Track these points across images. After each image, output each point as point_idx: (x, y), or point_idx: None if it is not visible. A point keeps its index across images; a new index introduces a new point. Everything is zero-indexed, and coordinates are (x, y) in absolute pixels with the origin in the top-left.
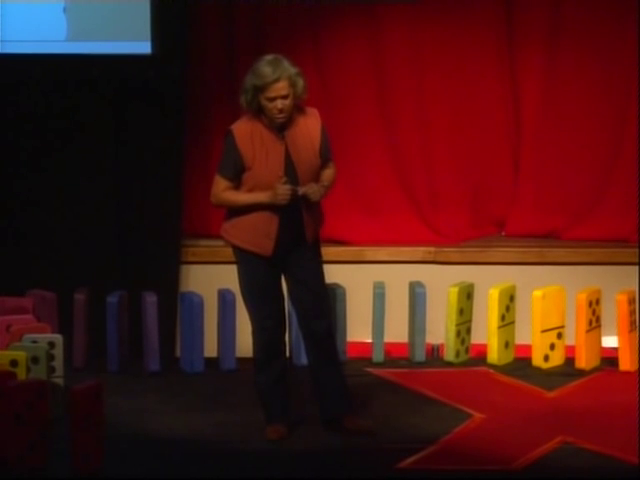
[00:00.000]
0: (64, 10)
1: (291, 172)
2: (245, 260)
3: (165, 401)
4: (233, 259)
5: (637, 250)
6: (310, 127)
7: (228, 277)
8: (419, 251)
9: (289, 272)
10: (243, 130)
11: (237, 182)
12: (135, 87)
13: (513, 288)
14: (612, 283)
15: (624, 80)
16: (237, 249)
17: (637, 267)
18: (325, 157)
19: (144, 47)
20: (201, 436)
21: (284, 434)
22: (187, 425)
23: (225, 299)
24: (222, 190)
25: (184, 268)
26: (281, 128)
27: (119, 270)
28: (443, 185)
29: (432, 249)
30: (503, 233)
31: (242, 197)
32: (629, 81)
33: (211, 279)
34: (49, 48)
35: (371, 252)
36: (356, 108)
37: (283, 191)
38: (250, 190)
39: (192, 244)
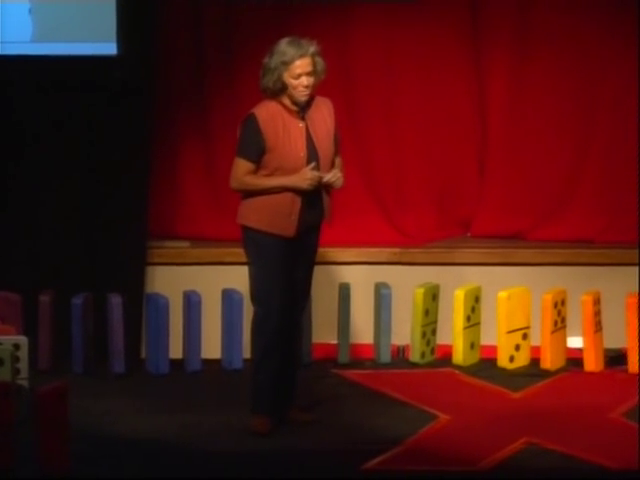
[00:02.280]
0: (29, 11)
1: (313, 152)
2: (263, 244)
3: (130, 402)
4: (198, 260)
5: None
6: (325, 113)
7: (194, 279)
8: (385, 252)
9: (295, 256)
10: (265, 112)
11: (258, 165)
12: (101, 88)
13: (478, 289)
14: (577, 284)
15: (590, 82)
16: (256, 233)
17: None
18: (337, 146)
19: (110, 48)
20: (166, 437)
21: (270, 428)
22: (152, 426)
23: (190, 301)
24: (243, 174)
25: (149, 269)
26: (302, 110)
27: (84, 272)
28: (409, 186)
29: (398, 250)
30: (469, 234)
31: (265, 181)
32: (595, 84)
33: (177, 280)
34: (14, 49)
35: (336, 253)
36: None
37: (312, 176)
38: (271, 173)
39: (157, 245)
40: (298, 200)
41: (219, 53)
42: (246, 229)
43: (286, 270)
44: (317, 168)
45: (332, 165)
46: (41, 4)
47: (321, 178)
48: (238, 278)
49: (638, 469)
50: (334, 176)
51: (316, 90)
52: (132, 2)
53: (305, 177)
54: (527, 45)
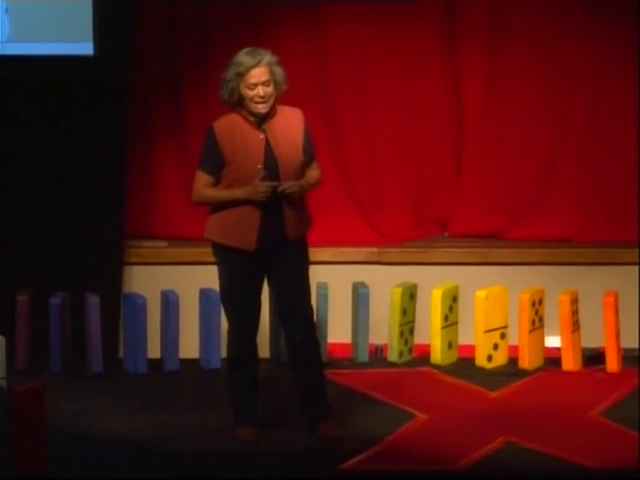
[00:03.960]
0: (6, 11)
1: (272, 165)
2: (227, 259)
3: (108, 402)
4: (175, 260)
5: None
6: (292, 123)
7: (171, 278)
8: (362, 252)
9: (273, 274)
10: (224, 125)
11: (218, 178)
12: (77, 88)
13: (456, 288)
14: (555, 283)
15: (566, 80)
16: (219, 247)
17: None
18: (309, 156)
19: (86, 48)
20: (144, 437)
21: (254, 435)
22: (130, 426)
23: (168, 300)
24: (203, 186)
25: (127, 269)
26: (261, 121)
27: (62, 271)
28: (386, 186)
29: (375, 250)
30: (446, 233)
31: (221, 193)
32: (571, 82)
33: (154, 280)
34: None
35: (314, 253)
36: (298, 107)
37: (263, 188)
38: (229, 186)
39: (135, 245)
40: (257, 213)
41: (194, 53)
42: (212, 243)
43: (249, 284)
44: (268, 178)
45: (300, 175)
46: (18, 4)
47: (275, 188)
48: (215, 278)
49: (616, 468)
50: (287, 185)
51: (281, 99)
52: (108, 2)
53: (257, 190)
54: (503, 45)
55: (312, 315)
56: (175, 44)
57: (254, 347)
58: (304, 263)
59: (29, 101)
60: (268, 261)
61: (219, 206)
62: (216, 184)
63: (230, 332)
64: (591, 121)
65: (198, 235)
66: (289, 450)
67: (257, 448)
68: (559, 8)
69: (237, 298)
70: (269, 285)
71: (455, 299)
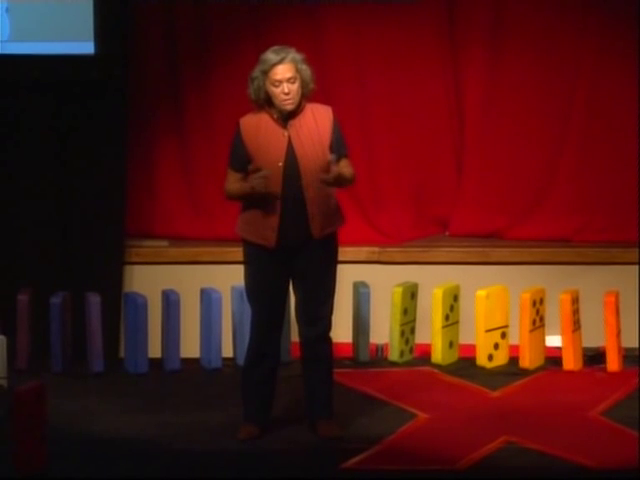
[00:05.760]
0: (7, 10)
1: (293, 163)
2: (251, 255)
3: (109, 402)
4: (176, 260)
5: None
6: (319, 121)
7: (172, 278)
8: (363, 251)
9: (295, 271)
10: (249, 121)
11: (245, 174)
12: (78, 87)
13: (457, 288)
14: (555, 283)
15: (566, 80)
16: (244, 243)
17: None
18: (337, 154)
19: (87, 47)
20: (145, 437)
21: (254, 435)
22: (131, 426)
23: (169, 300)
24: (231, 182)
25: (128, 269)
26: (287, 119)
27: (62, 271)
28: (386, 185)
29: (376, 249)
30: (446, 233)
31: (235, 188)
32: (571, 81)
33: (155, 280)
34: None
35: None
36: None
37: (258, 182)
38: None
39: (135, 244)
40: (278, 212)
41: (194, 53)
42: (240, 238)
43: (272, 281)
44: (292, 173)
45: (324, 172)
46: (19, 3)
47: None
48: (216, 277)
49: (616, 468)
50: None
51: (310, 98)
52: (109, 2)
53: (252, 183)
54: (503, 44)
55: (329, 314)
56: (175, 44)
57: (272, 345)
58: (328, 261)
59: (29, 100)
60: (292, 259)
61: (247, 204)
62: (244, 180)
63: (250, 328)
64: (591, 121)
65: (199, 234)
66: (290, 449)
67: (257, 448)
68: (559, 8)
69: (259, 294)
70: (292, 282)
71: (456, 298)
